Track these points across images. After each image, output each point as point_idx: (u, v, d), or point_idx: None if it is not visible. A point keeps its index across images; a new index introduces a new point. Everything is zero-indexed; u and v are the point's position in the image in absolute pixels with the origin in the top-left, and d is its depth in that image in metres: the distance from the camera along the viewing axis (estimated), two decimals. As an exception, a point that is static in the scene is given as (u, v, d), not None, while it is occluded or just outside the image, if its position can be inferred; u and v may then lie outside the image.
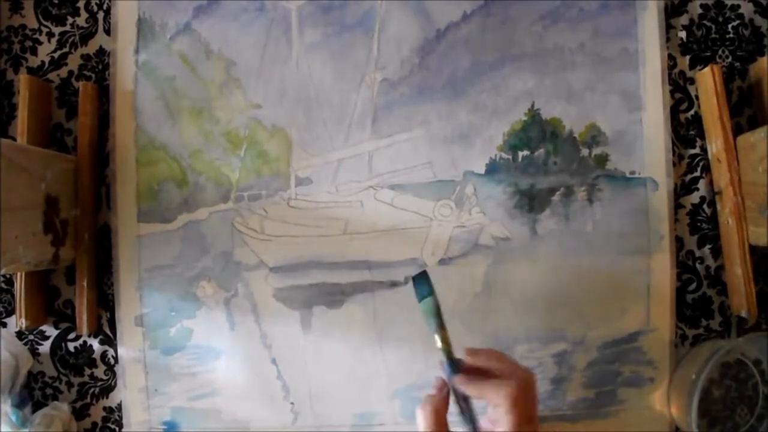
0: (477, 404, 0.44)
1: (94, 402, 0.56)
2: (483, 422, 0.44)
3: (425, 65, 0.56)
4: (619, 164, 0.55)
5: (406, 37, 0.56)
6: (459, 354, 0.46)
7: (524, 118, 0.56)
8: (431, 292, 0.47)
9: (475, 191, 0.55)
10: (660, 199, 0.55)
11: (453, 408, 0.44)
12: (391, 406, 0.55)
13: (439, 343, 0.45)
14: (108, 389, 0.56)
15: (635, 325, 0.55)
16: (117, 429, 0.56)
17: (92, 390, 0.56)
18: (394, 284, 0.55)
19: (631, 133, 0.55)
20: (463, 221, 0.55)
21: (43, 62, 0.57)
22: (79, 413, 0.56)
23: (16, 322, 0.53)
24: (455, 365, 0.45)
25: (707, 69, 0.53)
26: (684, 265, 0.56)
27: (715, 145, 0.54)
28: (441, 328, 0.45)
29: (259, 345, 0.55)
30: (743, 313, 0.53)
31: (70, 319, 0.56)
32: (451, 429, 0.43)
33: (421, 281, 0.47)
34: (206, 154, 0.56)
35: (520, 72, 0.55)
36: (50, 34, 0.57)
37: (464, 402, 0.44)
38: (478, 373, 0.44)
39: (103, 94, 0.56)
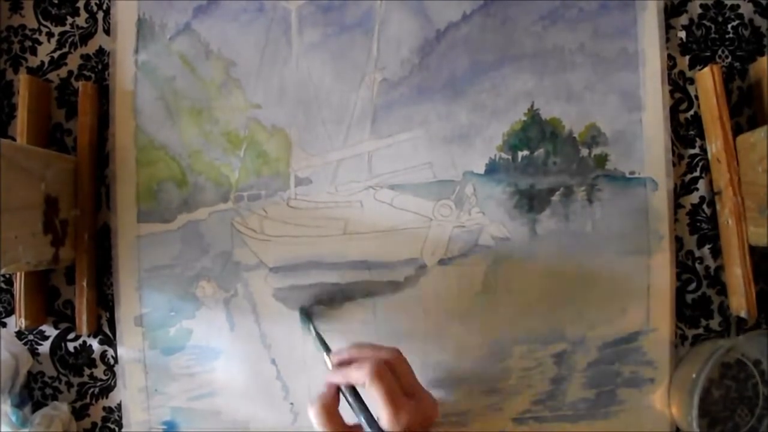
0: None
1: (93, 402, 0.56)
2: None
3: (425, 65, 0.56)
4: (618, 164, 0.55)
5: (405, 37, 0.56)
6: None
7: (524, 118, 0.56)
8: (310, 325, 0.53)
9: (474, 191, 0.55)
10: (660, 199, 0.55)
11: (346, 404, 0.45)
12: (391, 406, 0.55)
13: (325, 355, 0.49)
14: (108, 389, 0.56)
15: (635, 325, 0.55)
16: (117, 429, 0.56)
17: (92, 390, 0.56)
18: (394, 284, 0.55)
19: (631, 133, 0.55)
20: (462, 221, 0.55)
21: (42, 62, 0.57)
22: (79, 413, 0.56)
23: (16, 322, 0.53)
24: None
25: (707, 69, 0.53)
26: (684, 265, 0.56)
27: (715, 145, 0.54)
28: (327, 351, 0.49)
29: (258, 345, 0.55)
30: (743, 313, 0.53)
31: (69, 319, 0.56)
32: (348, 422, 0.44)
33: (303, 318, 0.54)
34: (206, 155, 0.56)
35: (519, 72, 0.55)
36: (50, 34, 0.57)
37: (351, 395, 0.45)
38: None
39: (103, 94, 0.56)
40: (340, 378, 0.45)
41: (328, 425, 0.43)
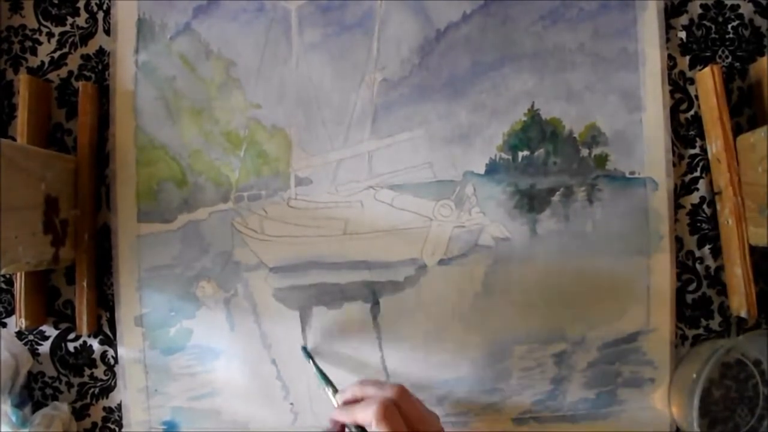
0: None
1: (93, 402, 0.56)
2: None
3: (425, 65, 0.56)
4: (618, 164, 0.55)
5: (405, 37, 0.56)
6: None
7: (524, 118, 0.56)
8: (311, 361, 0.53)
9: (474, 191, 0.55)
10: (660, 200, 0.55)
11: None
12: (391, 406, 0.55)
13: (328, 390, 0.50)
14: (108, 389, 0.56)
15: (635, 326, 0.55)
16: (117, 429, 0.56)
17: (92, 390, 0.56)
18: (394, 284, 0.55)
19: (631, 133, 0.55)
20: (462, 221, 0.55)
21: (43, 62, 0.57)
22: (79, 413, 0.56)
23: (16, 322, 0.53)
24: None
25: (707, 69, 0.53)
26: (684, 265, 0.56)
27: (715, 145, 0.54)
28: (332, 388, 0.50)
29: (258, 345, 0.55)
30: (743, 314, 0.53)
31: (69, 320, 0.56)
32: None
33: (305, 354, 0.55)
34: (206, 154, 0.56)
35: (519, 72, 0.55)
36: (50, 35, 0.57)
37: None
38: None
39: (103, 94, 0.56)
40: (346, 417, 0.45)
41: None
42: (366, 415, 0.43)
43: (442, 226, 0.55)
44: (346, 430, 0.46)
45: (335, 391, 0.49)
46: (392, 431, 0.42)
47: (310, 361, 0.53)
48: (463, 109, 0.55)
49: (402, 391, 0.45)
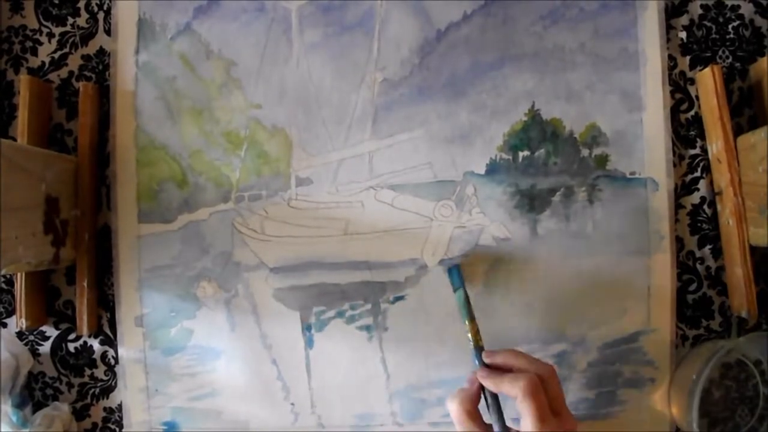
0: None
1: (94, 402, 0.56)
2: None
3: (425, 65, 0.56)
4: (619, 164, 0.55)
5: (406, 37, 0.56)
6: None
7: (524, 118, 0.56)
8: (462, 285, 0.51)
9: (475, 192, 0.55)
10: (660, 200, 0.55)
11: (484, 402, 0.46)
12: (391, 407, 0.55)
13: (468, 335, 0.49)
14: (108, 389, 0.56)
15: (635, 326, 0.55)
16: (117, 429, 0.56)
17: (92, 390, 0.56)
18: (394, 284, 0.55)
19: (631, 134, 0.55)
20: (463, 222, 0.55)
21: (43, 63, 0.57)
22: (80, 414, 0.56)
23: (17, 322, 0.53)
24: (481, 358, 0.48)
25: (707, 69, 0.53)
26: (684, 265, 0.56)
27: (716, 145, 0.54)
28: (469, 320, 0.49)
29: (259, 345, 0.55)
30: (743, 314, 0.53)
31: (70, 320, 0.56)
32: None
33: (453, 273, 0.53)
34: (206, 155, 0.56)
35: (520, 72, 0.55)
36: (50, 35, 0.57)
37: (492, 398, 0.45)
38: (502, 370, 0.46)
39: (104, 94, 0.56)
40: (492, 384, 0.45)
41: (467, 425, 0.44)
42: (513, 388, 0.42)
43: (442, 227, 0.55)
44: (483, 393, 0.46)
45: (480, 345, 0.48)
46: (536, 410, 0.41)
47: (461, 289, 0.51)
48: (464, 109, 0.55)
49: (552, 373, 0.45)
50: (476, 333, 0.49)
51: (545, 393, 0.43)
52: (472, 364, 0.49)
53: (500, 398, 0.46)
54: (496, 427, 0.45)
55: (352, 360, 0.55)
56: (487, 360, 0.47)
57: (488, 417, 0.46)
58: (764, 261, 0.55)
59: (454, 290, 0.52)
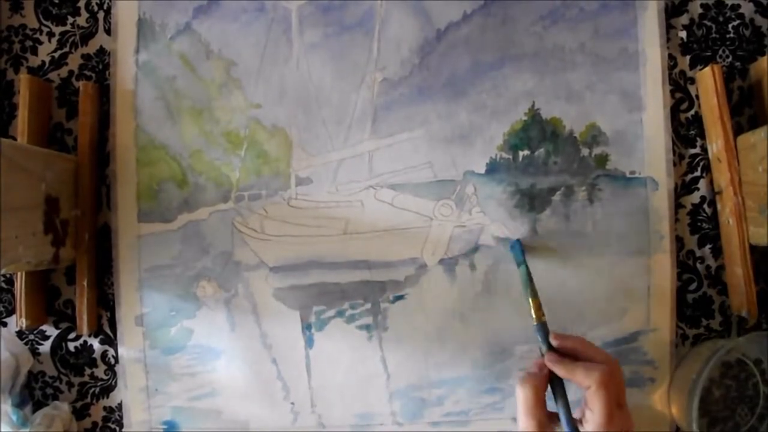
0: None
1: (94, 402, 0.56)
2: (574, 411, 0.45)
3: (425, 65, 0.56)
4: (619, 164, 0.55)
5: (406, 37, 0.56)
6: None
7: (524, 118, 0.56)
8: (524, 260, 0.51)
9: (475, 191, 0.55)
10: (660, 199, 0.55)
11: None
12: (391, 406, 0.55)
13: (531, 311, 0.48)
14: (108, 389, 0.56)
15: (635, 325, 0.55)
16: (117, 429, 0.56)
17: (92, 390, 0.56)
18: (394, 284, 0.55)
19: (632, 133, 0.55)
20: (463, 221, 0.55)
21: (43, 62, 0.57)
22: (80, 413, 0.56)
23: (17, 321, 0.53)
24: (546, 336, 0.46)
25: (707, 69, 0.53)
26: (684, 264, 0.56)
27: (716, 144, 0.54)
28: (532, 296, 0.48)
29: (259, 345, 0.55)
30: (743, 313, 0.53)
31: (70, 319, 0.56)
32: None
33: (515, 248, 0.53)
34: (206, 154, 0.56)
35: (520, 72, 0.55)
36: (50, 34, 0.57)
37: (560, 388, 0.45)
38: (568, 356, 0.45)
39: (104, 94, 0.56)
40: (563, 371, 0.44)
41: (534, 411, 0.43)
42: (588, 378, 0.42)
43: (442, 226, 0.55)
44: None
45: (542, 321, 0.47)
46: (607, 403, 0.41)
47: (524, 266, 0.50)
48: (464, 109, 0.55)
49: (618, 366, 0.44)
50: (539, 308, 0.47)
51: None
52: (536, 342, 0.47)
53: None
54: (563, 416, 0.44)
55: (352, 359, 0.55)
56: (555, 343, 0.46)
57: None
58: (764, 260, 0.55)
59: (518, 265, 0.51)
